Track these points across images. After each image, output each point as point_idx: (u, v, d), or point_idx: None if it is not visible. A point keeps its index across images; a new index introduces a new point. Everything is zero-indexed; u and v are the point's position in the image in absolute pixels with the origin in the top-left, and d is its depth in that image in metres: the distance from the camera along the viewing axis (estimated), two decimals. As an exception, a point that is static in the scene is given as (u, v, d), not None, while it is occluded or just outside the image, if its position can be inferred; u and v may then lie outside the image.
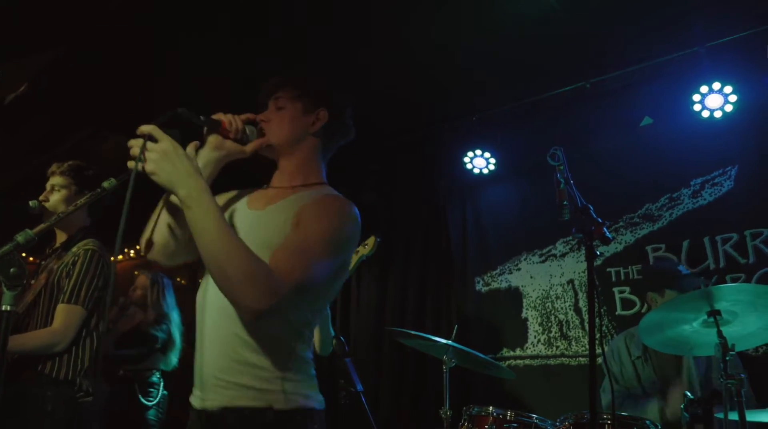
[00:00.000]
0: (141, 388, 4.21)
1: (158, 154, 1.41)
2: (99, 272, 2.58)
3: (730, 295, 2.33)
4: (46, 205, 2.68)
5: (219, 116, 1.67)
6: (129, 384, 4.18)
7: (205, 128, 1.68)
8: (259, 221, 1.66)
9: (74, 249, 2.61)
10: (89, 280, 2.54)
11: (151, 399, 4.22)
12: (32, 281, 2.63)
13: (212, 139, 1.67)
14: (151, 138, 1.42)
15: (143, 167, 1.40)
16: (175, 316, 4.48)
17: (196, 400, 1.61)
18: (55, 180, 2.73)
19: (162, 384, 4.33)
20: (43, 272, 2.64)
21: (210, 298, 1.61)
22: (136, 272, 4.71)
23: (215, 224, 1.41)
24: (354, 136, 1.92)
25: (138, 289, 4.44)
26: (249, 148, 1.72)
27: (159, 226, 1.68)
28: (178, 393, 4.44)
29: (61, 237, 2.75)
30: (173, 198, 1.58)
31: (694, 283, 3.18)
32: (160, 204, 1.68)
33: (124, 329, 4.38)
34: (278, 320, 1.53)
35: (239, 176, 2.06)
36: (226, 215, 1.69)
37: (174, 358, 4.41)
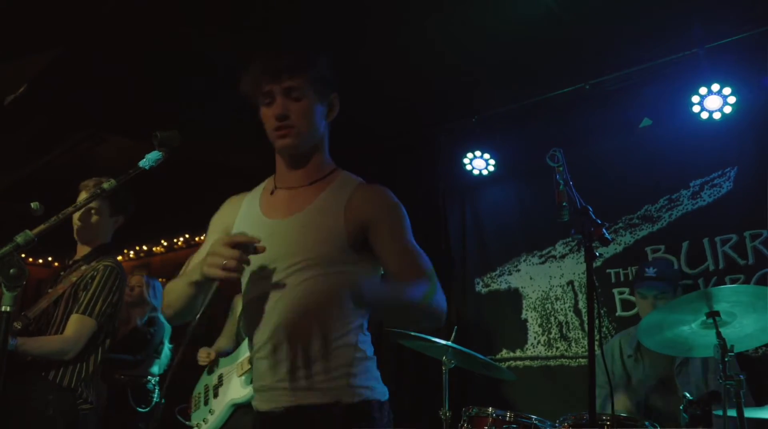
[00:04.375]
0: (135, 395, 4.22)
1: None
2: (115, 289, 2.66)
3: (729, 296, 2.34)
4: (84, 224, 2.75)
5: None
6: (122, 390, 4.20)
7: None
8: (301, 227, 1.59)
9: (93, 263, 2.70)
10: (105, 295, 2.62)
11: (144, 406, 4.23)
12: (49, 289, 2.70)
13: None
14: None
15: None
16: (165, 322, 4.51)
17: (259, 403, 1.60)
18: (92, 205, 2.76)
19: (157, 391, 4.35)
20: (61, 283, 2.70)
21: (271, 312, 1.56)
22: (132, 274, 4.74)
23: (402, 301, 1.51)
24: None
25: (135, 288, 4.50)
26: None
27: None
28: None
29: (81, 250, 2.81)
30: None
31: (656, 287, 3.14)
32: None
33: (122, 333, 4.40)
34: (349, 323, 1.58)
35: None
36: (245, 228, 1.61)
37: (164, 361, 4.46)
